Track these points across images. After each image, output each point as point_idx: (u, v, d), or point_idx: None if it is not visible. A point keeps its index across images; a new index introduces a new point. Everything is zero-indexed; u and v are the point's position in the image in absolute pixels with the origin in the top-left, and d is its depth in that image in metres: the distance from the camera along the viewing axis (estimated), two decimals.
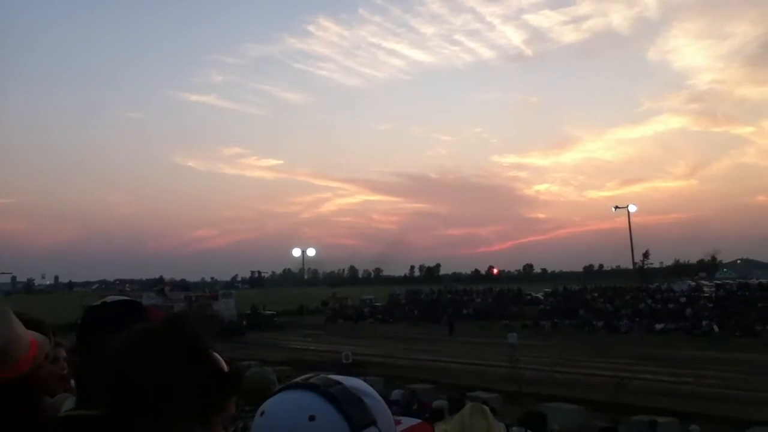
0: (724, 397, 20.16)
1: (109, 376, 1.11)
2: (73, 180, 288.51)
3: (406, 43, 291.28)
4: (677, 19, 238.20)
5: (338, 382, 0.98)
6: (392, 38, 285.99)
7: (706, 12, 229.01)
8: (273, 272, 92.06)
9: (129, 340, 1.13)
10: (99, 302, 1.92)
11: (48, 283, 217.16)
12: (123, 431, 1.08)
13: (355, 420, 0.93)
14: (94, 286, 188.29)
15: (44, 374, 1.92)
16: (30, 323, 1.90)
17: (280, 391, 0.99)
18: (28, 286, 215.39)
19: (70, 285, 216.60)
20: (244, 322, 56.21)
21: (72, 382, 2.15)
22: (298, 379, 1.01)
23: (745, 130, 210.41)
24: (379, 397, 1.01)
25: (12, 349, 1.69)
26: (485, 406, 2.24)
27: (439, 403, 14.54)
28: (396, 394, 17.41)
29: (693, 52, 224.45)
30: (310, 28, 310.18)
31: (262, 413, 0.97)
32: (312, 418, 0.92)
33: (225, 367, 1.16)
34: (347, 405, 0.94)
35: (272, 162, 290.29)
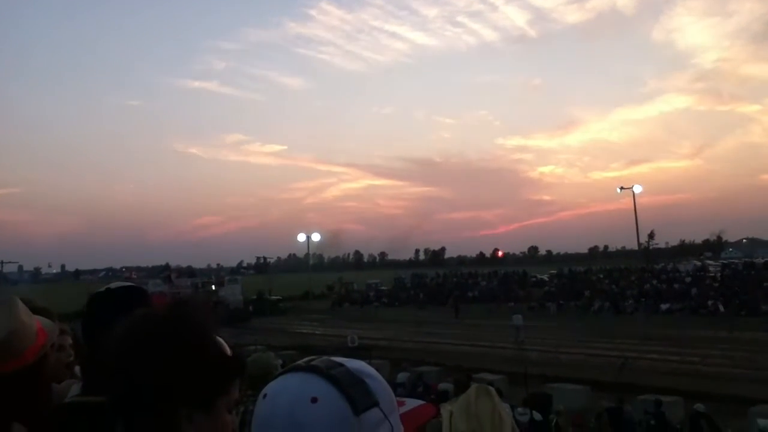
0: (729, 376, 20.22)
1: (111, 363, 1.11)
2: (78, 169, 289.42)
3: (408, 26, 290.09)
4: None
5: (340, 364, 0.98)
6: (394, 21, 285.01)
7: None
8: (279, 258, 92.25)
9: (131, 326, 1.14)
10: (103, 288, 1.93)
11: (54, 271, 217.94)
12: (125, 417, 1.08)
13: (358, 401, 0.93)
14: (101, 274, 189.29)
15: (51, 362, 1.93)
16: (36, 311, 1.90)
17: (282, 373, 1.00)
18: (35, 275, 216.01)
19: (77, 273, 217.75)
20: (251, 308, 56.51)
21: (77, 368, 2.16)
22: (300, 362, 1.02)
23: (750, 109, 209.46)
24: (382, 379, 1.01)
25: (19, 339, 1.69)
26: (491, 387, 2.24)
27: (445, 385, 14.63)
28: (402, 377, 17.51)
29: (697, 30, 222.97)
30: (312, 12, 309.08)
31: (265, 396, 0.98)
32: (314, 400, 0.92)
33: (228, 352, 1.17)
34: (349, 386, 0.94)
35: (275, 148, 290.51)
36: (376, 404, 0.95)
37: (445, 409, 2.16)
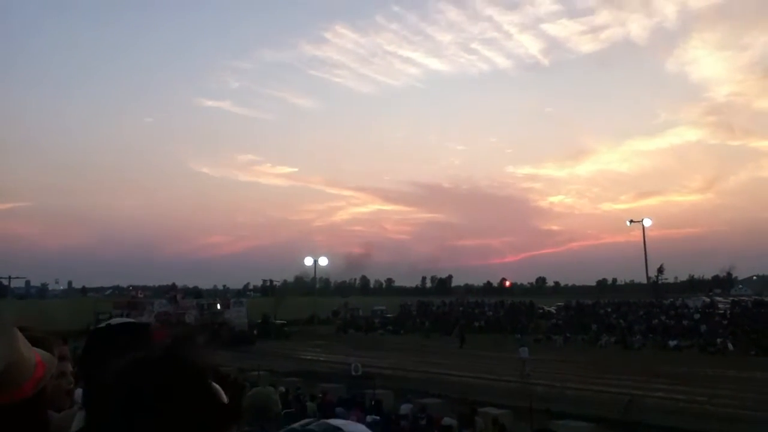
0: (737, 417, 19.84)
1: (105, 408, 1.09)
2: (88, 184, 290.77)
3: (422, 51, 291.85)
4: (696, 29, 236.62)
5: (337, 428, 0.95)
6: (408, 46, 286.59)
7: (725, 23, 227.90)
8: (285, 281, 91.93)
9: (124, 372, 1.11)
10: (104, 324, 1.91)
11: (62, 288, 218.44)
12: None
13: None
14: (107, 292, 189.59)
15: (50, 390, 1.90)
16: (35, 340, 1.88)
17: None
18: (42, 291, 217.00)
19: (84, 290, 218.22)
20: (255, 331, 56.31)
21: (78, 392, 2.13)
22: (296, 426, 0.99)
23: (762, 144, 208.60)
24: None
25: (18, 371, 1.66)
26: None
27: (449, 420, 14.43)
28: (405, 408, 17.30)
29: (711, 63, 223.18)
30: (327, 34, 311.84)
31: None
32: None
33: (224, 399, 1.14)
34: None
35: (286, 169, 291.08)
36: None
37: None
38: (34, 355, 1.76)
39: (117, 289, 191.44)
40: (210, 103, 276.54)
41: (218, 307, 60.34)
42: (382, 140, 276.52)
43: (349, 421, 1.00)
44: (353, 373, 23.28)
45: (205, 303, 63.33)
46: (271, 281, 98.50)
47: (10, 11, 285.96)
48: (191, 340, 1.18)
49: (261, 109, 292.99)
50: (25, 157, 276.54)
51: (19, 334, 1.74)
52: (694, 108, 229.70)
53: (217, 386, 1.16)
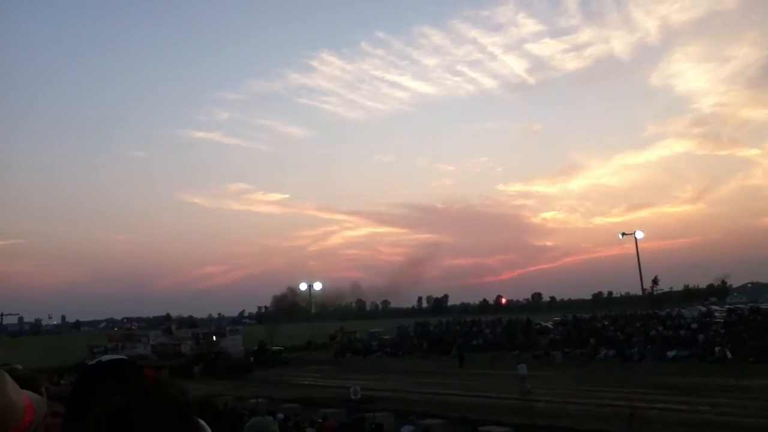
0: (741, 426, 19.77)
1: None
2: (80, 220, 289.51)
3: (408, 75, 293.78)
4: (678, 43, 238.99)
5: None
6: (395, 71, 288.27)
7: (707, 35, 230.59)
8: (277, 305, 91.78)
9: (106, 418, 1.09)
10: (94, 361, 1.88)
11: (55, 323, 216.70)
12: None
13: None
14: (102, 325, 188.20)
15: (42, 429, 1.85)
16: (23, 380, 1.84)
17: None
18: (36, 327, 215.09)
19: (78, 324, 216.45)
20: (252, 359, 55.85)
21: None
22: None
23: (750, 152, 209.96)
24: None
25: (6, 417, 1.63)
26: None
27: None
28: (406, 429, 17.13)
29: (695, 75, 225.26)
30: (313, 62, 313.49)
31: None
32: None
33: None
34: None
35: (278, 197, 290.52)
36: None
37: None
38: (23, 398, 1.73)
39: (111, 322, 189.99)
40: (200, 134, 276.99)
41: (213, 337, 59.85)
42: (372, 164, 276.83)
43: None
44: (353, 397, 23.08)
45: (201, 333, 62.82)
46: (267, 308, 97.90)
47: None
48: (168, 387, 1.16)
49: (251, 138, 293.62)
50: (17, 194, 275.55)
51: (8, 378, 1.70)
52: (680, 120, 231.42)
53: (202, 422, 1.15)
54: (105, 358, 1.88)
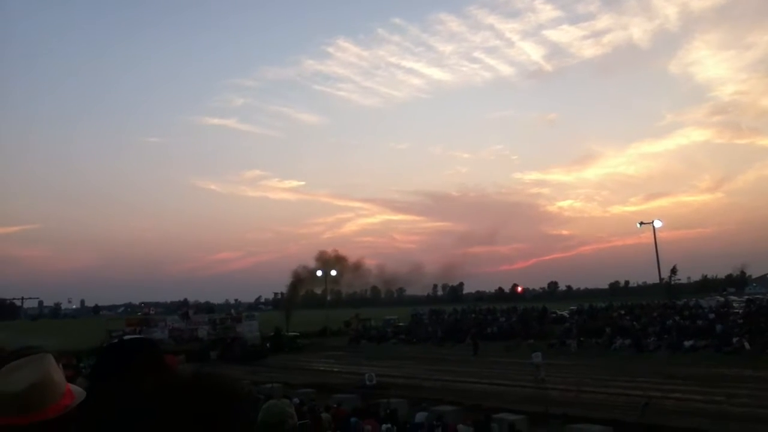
0: (757, 417, 19.64)
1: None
2: (98, 205, 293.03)
3: (424, 62, 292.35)
4: (698, 30, 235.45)
5: None
6: (411, 57, 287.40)
7: (727, 23, 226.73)
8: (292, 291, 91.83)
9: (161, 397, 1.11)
10: (116, 340, 1.93)
11: (74, 307, 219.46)
12: None
13: None
14: (120, 310, 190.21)
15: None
16: (73, 378, 1.91)
17: None
18: (55, 311, 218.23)
19: (96, 309, 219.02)
20: (268, 345, 56.28)
21: None
22: None
23: None
24: None
25: (41, 393, 1.69)
26: None
27: (464, 428, 14.36)
28: (420, 416, 17.22)
29: (715, 63, 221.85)
30: (329, 49, 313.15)
31: None
32: None
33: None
34: None
35: (293, 183, 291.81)
36: None
37: None
38: (65, 382, 1.79)
39: (129, 307, 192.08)
40: (215, 121, 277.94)
41: (230, 323, 60.39)
42: (388, 151, 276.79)
43: None
44: (367, 383, 23.24)
45: (217, 318, 63.42)
46: (283, 294, 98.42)
47: (13, 33, 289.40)
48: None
49: (266, 125, 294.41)
50: (35, 180, 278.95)
51: (53, 361, 1.77)
52: (699, 108, 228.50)
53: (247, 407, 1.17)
54: (127, 337, 1.94)
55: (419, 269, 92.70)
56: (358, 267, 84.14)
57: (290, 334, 62.67)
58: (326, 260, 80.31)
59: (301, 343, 58.99)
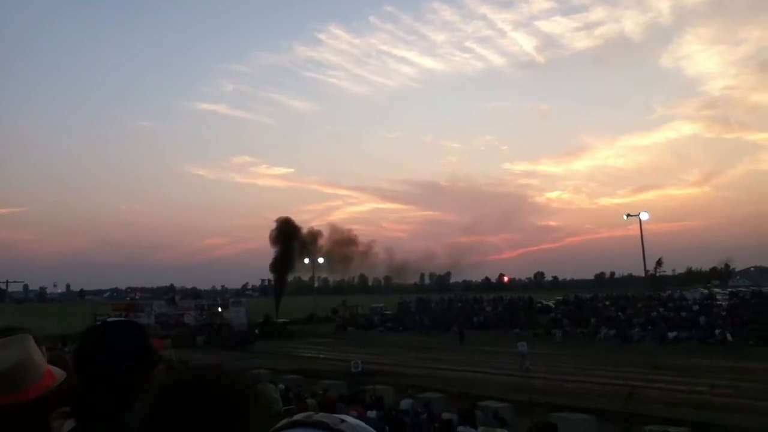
0: (738, 407, 19.90)
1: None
2: (84, 189, 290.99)
3: (416, 51, 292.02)
4: (691, 24, 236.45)
5: (343, 420, 0.95)
6: (403, 46, 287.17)
7: (720, 17, 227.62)
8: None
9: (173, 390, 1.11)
10: (100, 322, 1.91)
11: (60, 291, 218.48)
12: None
13: None
14: (106, 294, 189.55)
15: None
16: (54, 359, 1.90)
17: (281, 429, 0.95)
18: (41, 295, 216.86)
19: (82, 293, 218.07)
20: (257, 331, 56.27)
21: None
22: (299, 417, 0.98)
23: (759, 137, 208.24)
24: None
25: (24, 372, 1.69)
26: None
27: (449, 415, 14.44)
28: (405, 403, 17.29)
29: (706, 57, 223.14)
30: (321, 36, 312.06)
31: None
32: None
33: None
34: None
35: (283, 170, 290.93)
36: None
37: None
38: (45, 362, 1.78)
39: (115, 292, 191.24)
40: (205, 106, 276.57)
41: (219, 308, 60.22)
42: (378, 140, 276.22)
43: (346, 415, 1.00)
44: (353, 370, 23.28)
45: (206, 304, 63.21)
46: (270, 281, 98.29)
47: (3, 16, 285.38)
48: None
49: (256, 111, 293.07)
50: (21, 162, 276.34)
51: (32, 340, 1.76)
52: (689, 102, 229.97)
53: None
54: (111, 319, 1.93)
55: (430, 256, 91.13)
56: (367, 251, 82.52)
57: (280, 320, 62.68)
58: (337, 239, 79.44)
59: (290, 330, 59.00)
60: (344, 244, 79.41)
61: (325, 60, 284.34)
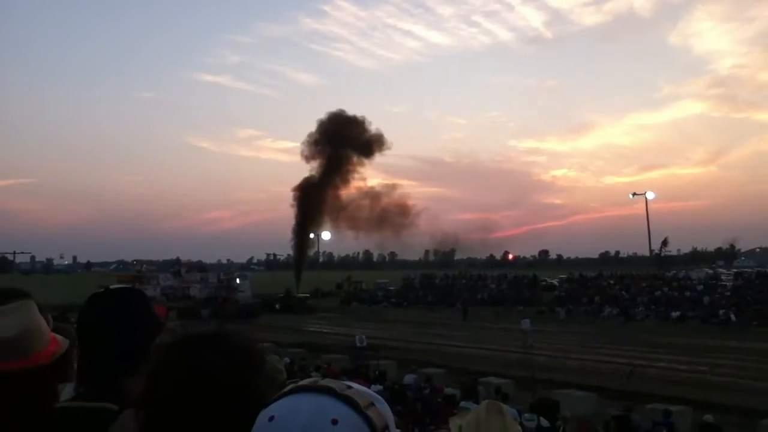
0: (738, 387, 20.02)
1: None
2: (90, 160, 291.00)
3: (422, 25, 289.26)
4: (701, 1, 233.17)
5: (350, 386, 0.94)
6: (409, 19, 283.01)
7: None
8: (289, 255, 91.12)
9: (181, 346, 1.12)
10: (102, 289, 1.90)
11: (66, 263, 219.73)
12: None
13: (375, 424, 0.90)
14: (112, 267, 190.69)
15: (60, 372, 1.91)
16: (57, 329, 1.91)
17: (286, 394, 0.94)
18: (47, 266, 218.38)
19: (88, 265, 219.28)
20: (277, 306, 56.86)
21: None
22: (305, 382, 0.96)
23: (766, 117, 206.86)
24: (385, 402, 0.97)
25: (29, 339, 1.71)
26: (503, 405, 2.18)
27: (451, 390, 14.57)
28: (408, 378, 17.44)
29: (716, 35, 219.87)
30: (326, 7, 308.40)
31: (272, 418, 0.91)
32: (335, 422, 0.87)
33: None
34: (365, 408, 0.91)
35: (287, 144, 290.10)
36: (387, 427, 0.92)
37: (454, 423, 2.10)
38: (48, 329, 1.79)
39: (121, 264, 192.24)
40: (209, 78, 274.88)
41: (237, 280, 60.72)
42: (382, 114, 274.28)
43: (352, 382, 0.99)
44: (357, 345, 23.41)
45: (210, 277, 63.61)
46: (275, 255, 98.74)
47: None
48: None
49: (260, 83, 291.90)
50: (27, 133, 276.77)
51: (35, 306, 1.77)
52: (697, 81, 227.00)
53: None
54: (114, 286, 1.92)
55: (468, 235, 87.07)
56: (411, 218, 75.99)
57: (300, 295, 63.09)
58: (374, 194, 76.17)
59: (311, 305, 59.36)
60: (398, 213, 75.11)
61: (329, 32, 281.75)
